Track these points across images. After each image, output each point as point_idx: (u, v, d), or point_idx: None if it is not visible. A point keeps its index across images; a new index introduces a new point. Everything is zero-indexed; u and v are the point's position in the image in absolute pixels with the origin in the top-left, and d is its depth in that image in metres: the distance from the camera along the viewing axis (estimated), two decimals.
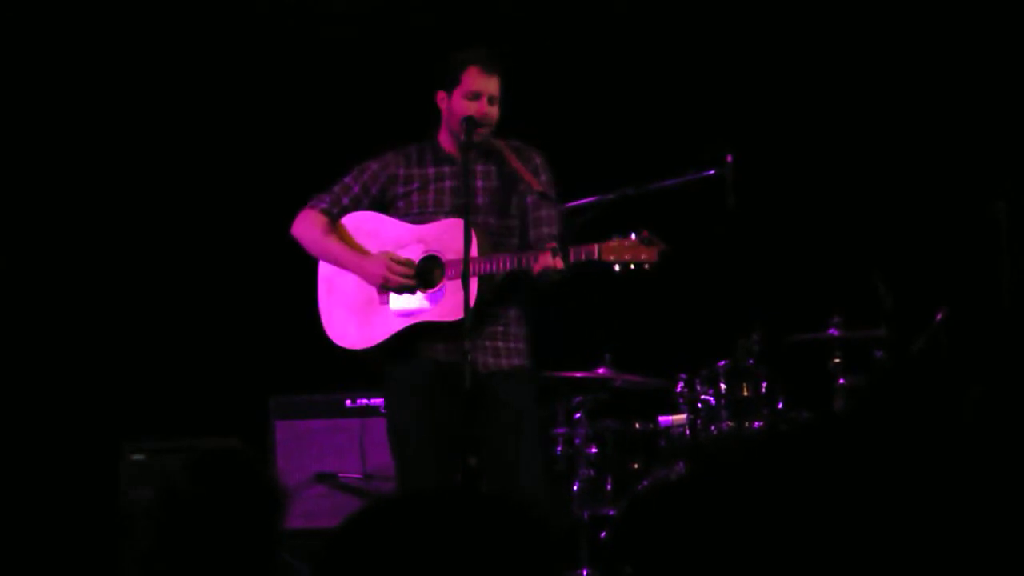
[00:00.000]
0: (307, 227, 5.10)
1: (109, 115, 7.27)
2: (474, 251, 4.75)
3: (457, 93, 4.95)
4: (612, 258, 4.60)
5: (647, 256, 4.61)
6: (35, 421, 7.02)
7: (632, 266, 4.60)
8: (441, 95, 5.00)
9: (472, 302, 4.66)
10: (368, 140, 5.29)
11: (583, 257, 4.63)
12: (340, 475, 6.32)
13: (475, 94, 4.92)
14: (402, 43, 7.21)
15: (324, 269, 5.12)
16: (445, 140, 5.06)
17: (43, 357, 7.11)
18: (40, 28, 7.18)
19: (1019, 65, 6.78)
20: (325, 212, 5.09)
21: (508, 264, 4.76)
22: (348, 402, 6.38)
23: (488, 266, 4.76)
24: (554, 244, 4.65)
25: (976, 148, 6.74)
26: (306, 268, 5.96)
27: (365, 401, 6.35)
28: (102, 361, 7.17)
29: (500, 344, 4.95)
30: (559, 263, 4.61)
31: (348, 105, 7.32)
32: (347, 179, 5.11)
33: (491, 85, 4.93)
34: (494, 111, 4.95)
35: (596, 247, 4.62)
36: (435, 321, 4.86)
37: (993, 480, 2.93)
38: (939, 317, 5.87)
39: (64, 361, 7.13)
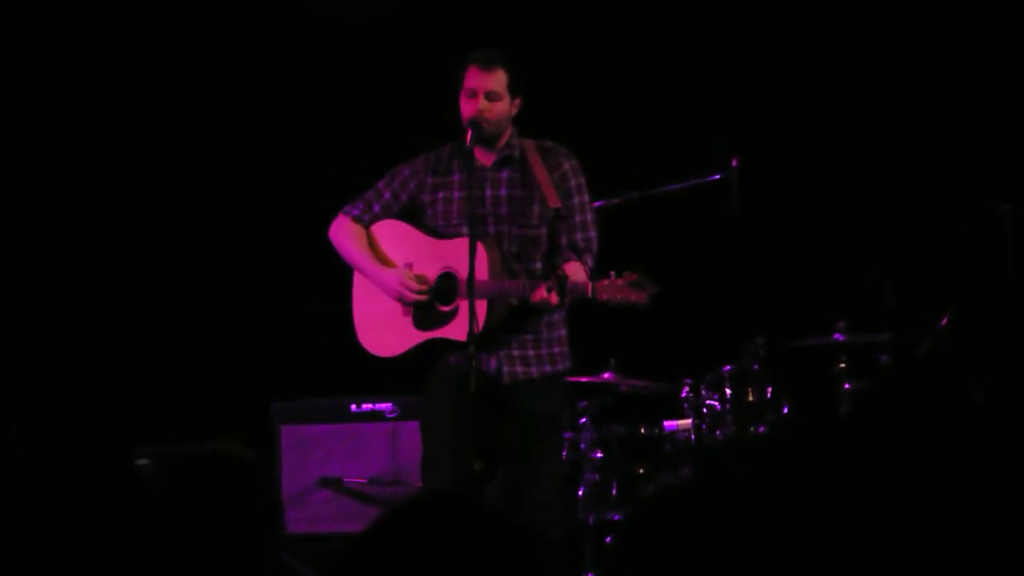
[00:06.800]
0: (339, 235, 5.19)
1: (116, 118, 7.26)
2: (485, 271, 4.85)
3: (461, 93, 4.98)
4: (605, 297, 4.75)
5: (636, 298, 4.74)
6: (35, 426, 7.01)
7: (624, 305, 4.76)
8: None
9: (480, 325, 4.80)
10: (381, 143, 5.28)
11: (578, 294, 4.76)
12: (345, 480, 6.31)
13: (471, 91, 4.95)
14: (424, 43, 7.20)
15: (360, 276, 5.19)
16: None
17: (47, 361, 7.10)
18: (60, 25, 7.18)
19: (1022, 66, 6.77)
20: (357, 220, 5.16)
21: (509, 290, 4.87)
22: (353, 407, 6.37)
23: (494, 290, 4.86)
24: (551, 280, 4.74)
25: (980, 151, 6.72)
26: (312, 273, 5.97)
27: (370, 406, 6.34)
28: (105, 366, 7.16)
29: (531, 352, 5.02)
30: (554, 298, 4.72)
31: (358, 104, 7.30)
32: (380, 184, 5.17)
33: (488, 81, 4.94)
34: (494, 107, 4.95)
35: (590, 285, 4.76)
36: (449, 339, 4.96)
37: (999, 483, 2.92)
38: (944, 321, 5.86)
39: (67, 366, 7.12)
